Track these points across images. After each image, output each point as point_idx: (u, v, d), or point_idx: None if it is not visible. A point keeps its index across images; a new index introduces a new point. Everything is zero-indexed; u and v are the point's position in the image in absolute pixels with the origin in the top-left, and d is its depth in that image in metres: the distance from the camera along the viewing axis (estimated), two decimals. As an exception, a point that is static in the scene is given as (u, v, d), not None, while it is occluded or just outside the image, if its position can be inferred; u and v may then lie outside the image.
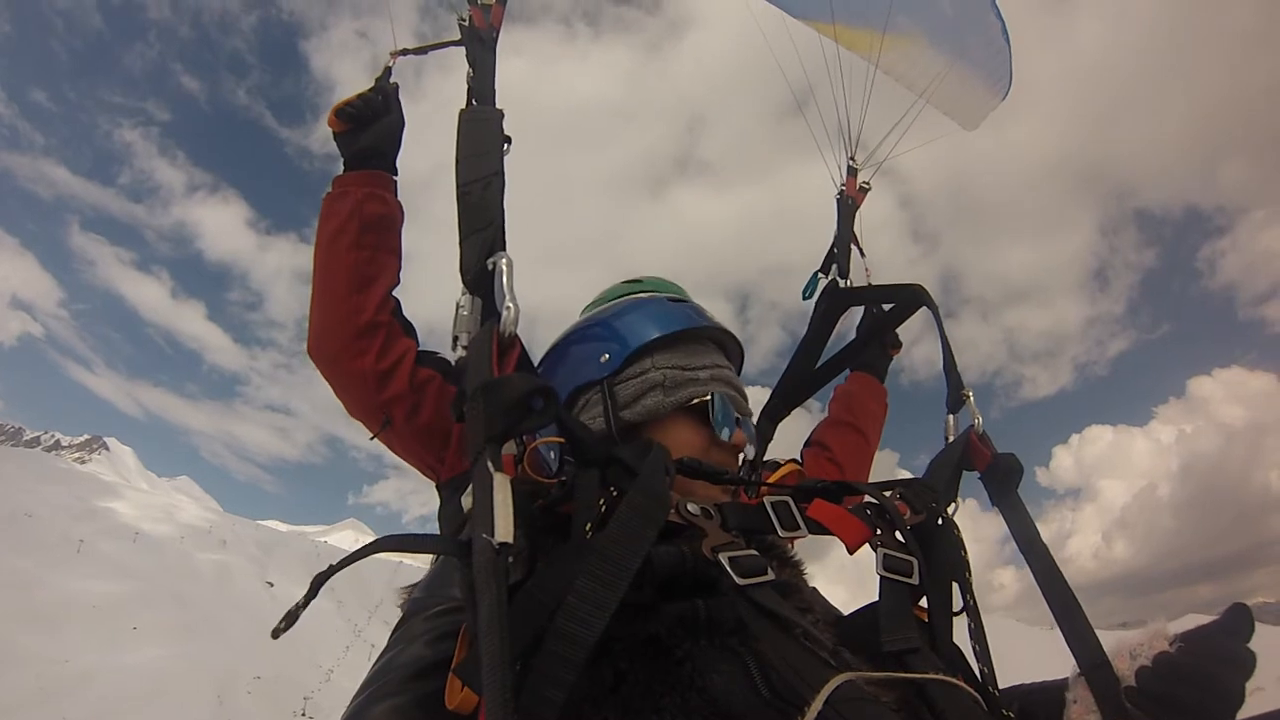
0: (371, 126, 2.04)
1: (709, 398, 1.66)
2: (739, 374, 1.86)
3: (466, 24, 2.11)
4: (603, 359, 1.69)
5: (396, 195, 2.06)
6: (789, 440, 2.64)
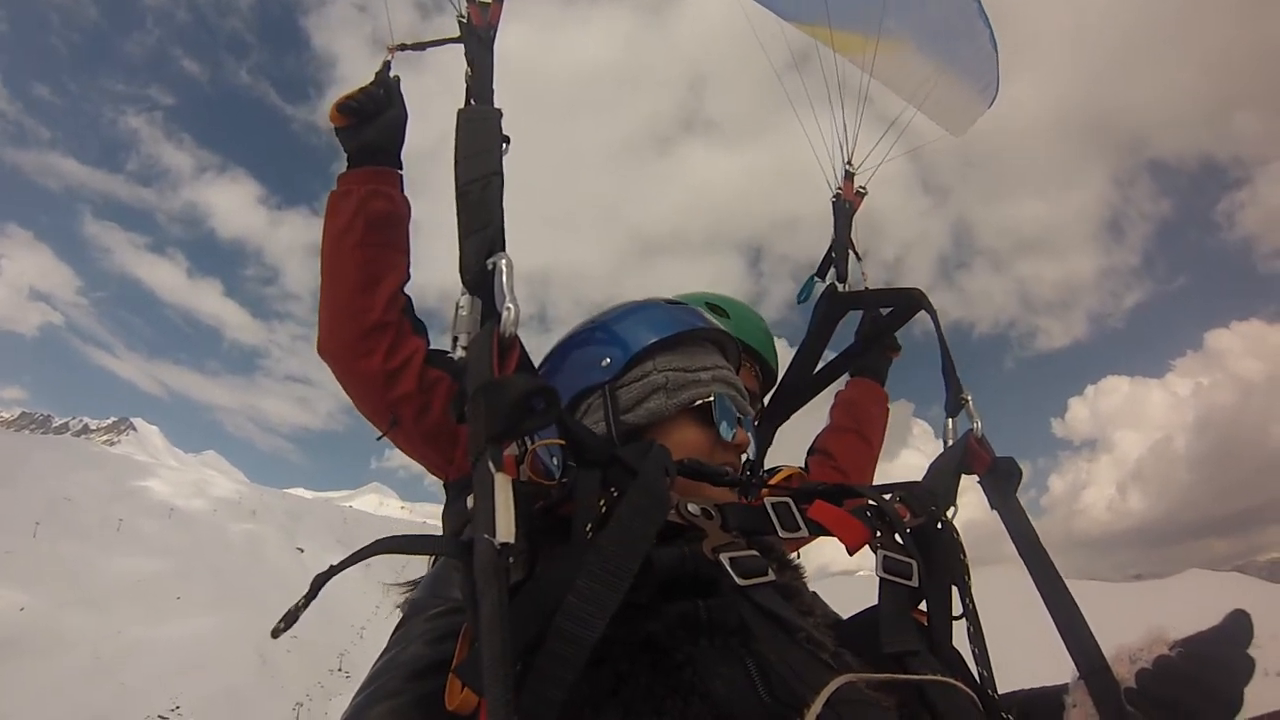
0: (374, 121, 1.97)
1: (711, 399, 1.62)
2: (738, 373, 1.81)
3: (465, 22, 2.04)
4: (604, 363, 1.64)
5: (402, 190, 1.99)
6: (791, 443, 2.58)
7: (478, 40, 1.99)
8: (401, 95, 2.02)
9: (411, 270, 1.96)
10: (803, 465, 2.53)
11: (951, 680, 1.17)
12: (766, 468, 2.38)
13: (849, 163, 3.16)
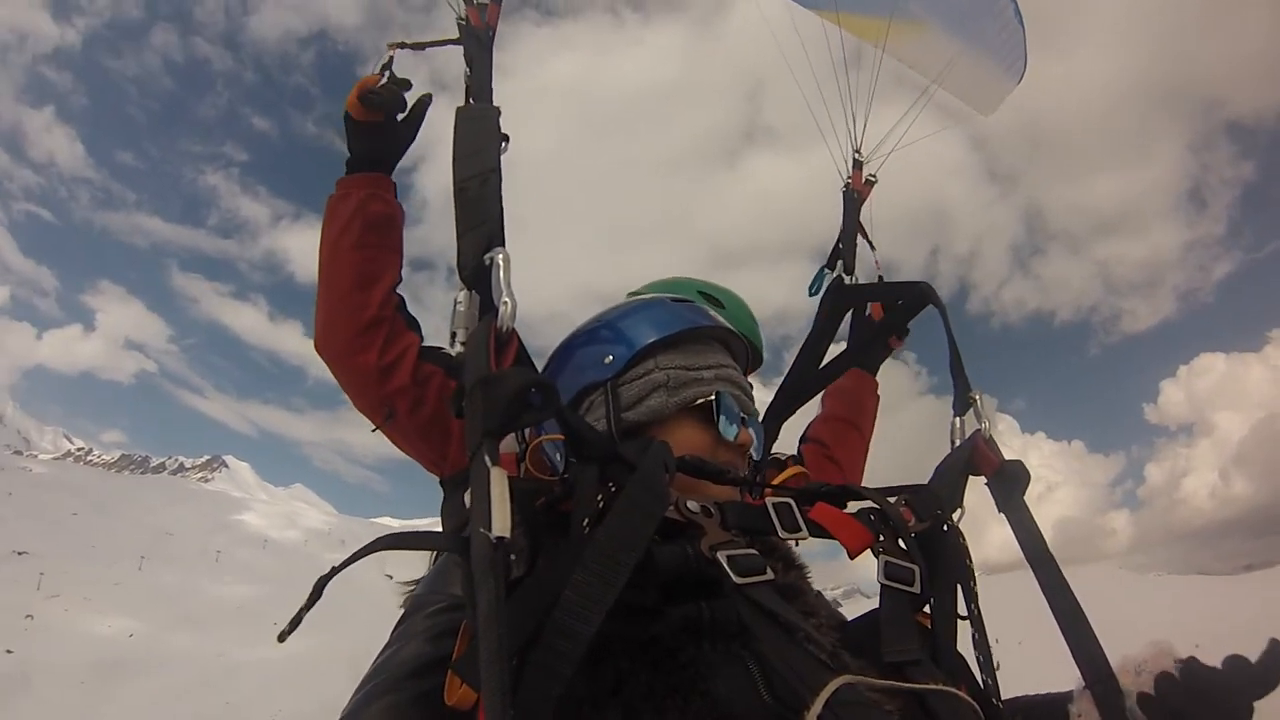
0: (388, 129, 2.00)
1: (713, 397, 1.58)
2: (745, 373, 1.77)
3: (465, 23, 2.06)
4: (606, 360, 1.61)
5: (396, 197, 2.03)
6: (788, 435, 2.54)
7: (476, 41, 2.01)
8: (422, 121, 2.04)
9: (404, 272, 1.99)
10: (795, 452, 2.51)
11: (953, 689, 1.13)
12: (770, 455, 2.35)
13: (858, 151, 3.10)
